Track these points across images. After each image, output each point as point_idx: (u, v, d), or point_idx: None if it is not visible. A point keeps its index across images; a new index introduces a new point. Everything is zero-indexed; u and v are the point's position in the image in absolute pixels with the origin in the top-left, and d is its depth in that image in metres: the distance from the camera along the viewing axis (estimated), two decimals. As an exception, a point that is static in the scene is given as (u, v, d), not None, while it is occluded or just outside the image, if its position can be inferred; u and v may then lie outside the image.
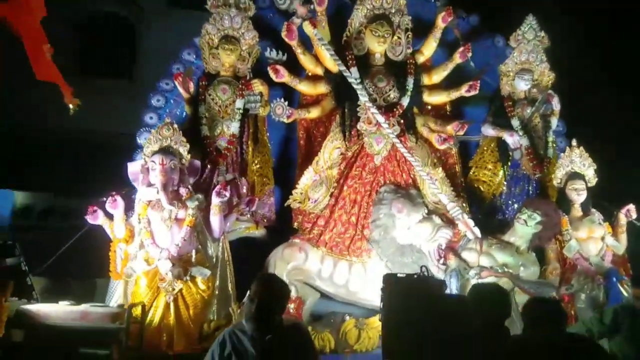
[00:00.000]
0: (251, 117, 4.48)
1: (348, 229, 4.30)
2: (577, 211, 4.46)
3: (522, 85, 4.90)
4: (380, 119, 4.20)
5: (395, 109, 4.36)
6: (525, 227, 4.19)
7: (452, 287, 3.96)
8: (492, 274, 3.99)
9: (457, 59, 4.60)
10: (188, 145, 3.93)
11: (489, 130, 4.85)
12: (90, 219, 3.77)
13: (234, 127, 4.32)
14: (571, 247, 4.26)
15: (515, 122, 4.80)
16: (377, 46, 4.44)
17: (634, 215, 4.42)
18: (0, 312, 2.66)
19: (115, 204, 3.71)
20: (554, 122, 5.02)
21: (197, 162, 4.05)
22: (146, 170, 3.81)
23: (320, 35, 4.19)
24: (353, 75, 4.33)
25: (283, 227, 4.50)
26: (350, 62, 4.39)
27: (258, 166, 4.47)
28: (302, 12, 4.20)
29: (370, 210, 4.29)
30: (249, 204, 4.13)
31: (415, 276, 2.72)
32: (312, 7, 4.34)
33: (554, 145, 4.94)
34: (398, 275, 2.72)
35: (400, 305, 2.63)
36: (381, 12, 4.45)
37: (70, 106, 3.41)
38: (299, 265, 4.10)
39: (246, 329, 2.58)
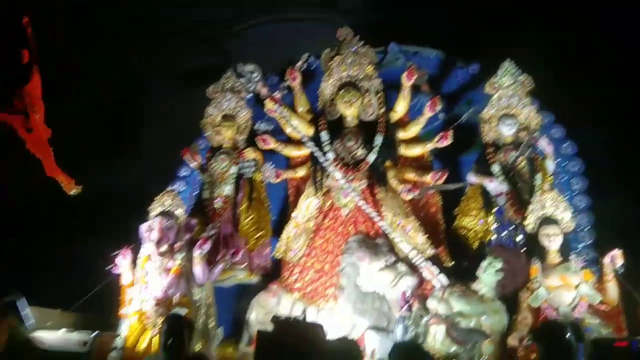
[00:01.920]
0: (247, 180, 5.26)
1: (321, 277, 4.70)
2: (552, 258, 4.22)
3: (506, 131, 4.88)
4: (338, 175, 4.64)
5: (360, 165, 4.75)
6: (486, 275, 4.15)
7: (397, 334, 4.09)
8: (439, 322, 4.02)
9: (427, 112, 4.83)
10: (184, 207, 4.84)
11: (472, 178, 4.88)
12: (114, 269, 4.85)
13: (227, 190, 5.14)
14: (538, 296, 4.05)
15: (495, 168, 4.79)
16: (346, 110, 4.92)
17: (619, 263, 4.02)
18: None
19: (124, 257, 4.72)
20: (550, 165, 4.85)
21: (194, 221, 4.91)
22: (150, 229, 4.79)
23: (282, 110, 4.85)
24: (323, 138, 4.87)
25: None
26: (322, 126, 4.94)
27: (252, 221, 5.17)
28: (263, 92, 4.93)
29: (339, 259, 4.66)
30: (234, 254, 4.84)
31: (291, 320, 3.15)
32: (286, 83, 5.06)
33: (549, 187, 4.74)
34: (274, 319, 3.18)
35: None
36: (348, 80, 4.96)
37: (72, 192, 4.50)
38: (272, 309, 4.61)
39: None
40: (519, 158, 4.75)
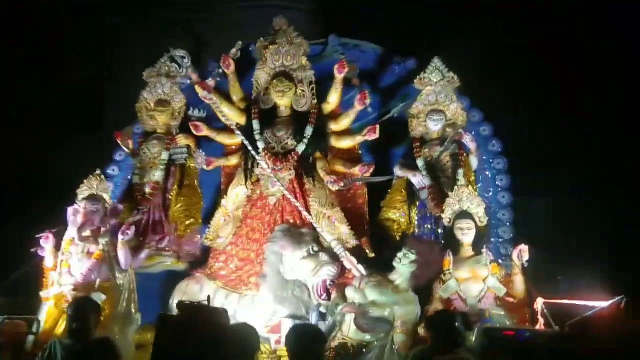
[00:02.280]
0: (178, 166, 5.25)
1: (246, 265, 4.76)
2: (466, 251, 4.38)
3: (432, 126, 5.01)
4: (264, 164, 4.69)
5: (289, 156, 4.80)
6: (401, 266, 4.27)
7: (312, 321, 4.19)
8: (351, 311, 4.12)
9: (357, 106, 4.90)
10: (111, 191, 4.82)
11: (397, 171, 5.00)
12: (40, 251, 4.79)
13: (157, 175, 5.13)
14: (448, 287, 4.20)
15: (420, 162, 4.91)
16: (279, 100, 4.95)
17: (526, 257, 4.20)
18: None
19: (47, 240, 4.68)
20: (474, 161, 5.00)
21: (120, 206, 4.89)
22: (76, 213, 4.75)
23: (212, 97, 4.85)
24: (254, 127, 4.90)
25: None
26: (255, 115, 4.97)
27: (183, 208, 5.19)
28: (194, 78, 4.93)
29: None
30: (160, 241, 4.85)
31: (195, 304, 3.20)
32: (220, 70, 5.05)
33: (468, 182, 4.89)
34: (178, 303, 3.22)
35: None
36: (282, 69, 4.99)
37: None
38: (194, 295, 4.63)
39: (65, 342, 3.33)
40: (443, 153, 4.89)
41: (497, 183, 5.26)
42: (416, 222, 4.90)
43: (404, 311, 4.19)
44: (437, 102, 5.02)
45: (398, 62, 5.68)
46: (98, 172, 4.92)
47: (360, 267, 4.48)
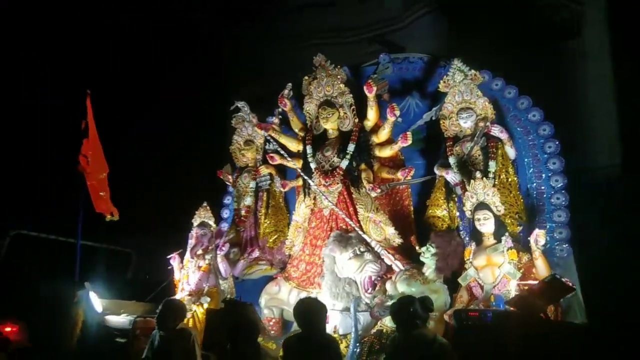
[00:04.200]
0: (264, 191, 6.43)
1: (312, 267, 5.63)
2: (487, 240, 4.53)
3: (463, 124, 5.22)
4: (311, 182, 5.53)
5: (335, 171, 5.55)
6: (424, 259, 4.68)
7: (351, 312, 4.85)
8: (381, 301, 4.67)
9: (389, 118, 5.41)
10: (213, 218, 6.23)
11: (435, 171, 5.32)
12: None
13: (249, 201, 6.38)
14: (467, 275, 4.44)
15: (452, 160, 5.17)
16: (325, 124, 5.75)
17: (542, 242, 4.19)
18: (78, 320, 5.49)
19: (174, 259, 6.26)
20: (509, 150, 5.06)
21: (222, 229, 6.26)
22: (191, 237, 6.27)
23: (274, 135, 5.90)
24: (307, 151, 5.80)
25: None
26: (307, 141, 5.86)
27: (271, 224, 6.31)
28: (254, 122, 6.04)
29: (324, 252, 5.54)
30: (250, 253, 6.05)
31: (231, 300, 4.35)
32: (280, 109, 6.10)
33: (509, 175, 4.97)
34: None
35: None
36: (325, 98, 5.78)
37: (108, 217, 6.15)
38: (274, 295, 5.69)
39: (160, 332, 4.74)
40: (473, 148, 5.06)
41: (549, 167, 5.17)
42: (457, 217, 5.15)
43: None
44: (464, 100, 5.23)
45: (443, 65, 5.97)
46: (205, 204, 6.39)
47: (398, 263, 5.00)
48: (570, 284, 3.53)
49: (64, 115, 6.16)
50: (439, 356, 3.36)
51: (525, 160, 5.28)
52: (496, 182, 4.94)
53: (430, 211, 5.40)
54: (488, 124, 5.04)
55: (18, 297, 5.95)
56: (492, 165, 4.98)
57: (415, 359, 3.45)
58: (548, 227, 4.98)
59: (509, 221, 4.84)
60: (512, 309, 3.63)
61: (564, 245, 4.89)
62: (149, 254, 7.45)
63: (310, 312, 3.80)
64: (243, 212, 6.42)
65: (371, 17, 8.32)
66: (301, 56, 7.00)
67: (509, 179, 4.98)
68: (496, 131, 4.99)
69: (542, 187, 5.14)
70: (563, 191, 5.07)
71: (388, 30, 8.19)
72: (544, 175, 5.18)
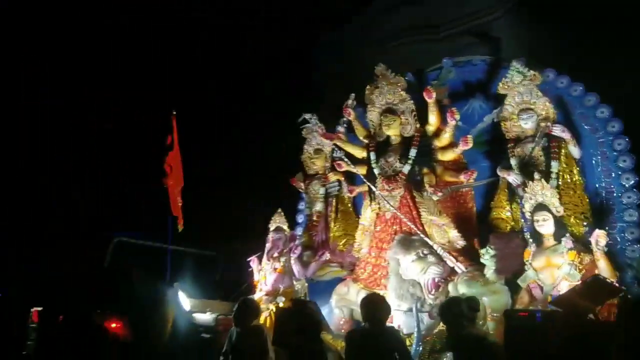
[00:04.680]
0: (334, 197, 6.74)
1: (379, 270, 5.84)
2: (547, 241, 4.50)
3: (524, 125, 5.19)
4: (373, 188, 5.75)
5: (397, 176, 5.74)
6: (484, 261, 4.74)
7: (414, 312, 5.01)
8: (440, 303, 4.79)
9: (450, 122, 5.51)
10: (287, 223, 6.65)
11: (499, 173, 5.33)
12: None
13: (319, 207, 6.73)
14: (526, 277, 4.44)
15: (513, 162, 5.17)
16: (388, 131, 5.95)
17: (602, 242, 4.10)
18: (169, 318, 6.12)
19: (253, 262, 6.76)
20: (573, 150, 4.97)
21: (295, 234, 6.66)
22: (268, 241, 6.74)
23: (340, 143, 6.21)
24: (371, 158, 6.03)
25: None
26: (371, 148, 6.09)
27: (341, 228, 6.62)
28: (319, 132, 6.36)
29: (389, 254, 5.74)
30: (321, 255, 6.39)
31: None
32: (344, 119, 6.39)
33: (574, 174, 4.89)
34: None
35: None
36: (387, 106, 5.98)
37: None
38: (343, 295, 5.97)
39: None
40: (535, 149, 5.03)
41: (619, 165, 5.01)
42: (520, 218, 5.14)
43: (490, 301, 4.66)
44: (524, 101, 5.20)
45: (506, 66, 5.93)
46: (279, 210, 6.83)
47: (460, 265, 5.10)
48: (617, 285, 3.46)
49: (154, 133, 6.88)
50: (487, 355, 3.47)
51: (593, 159, 5.16)
52: (560, 183, 4.88)
53: (495, 213, 5.42)
54: (549, 124, 4.99)
55: (120, 296, 6.72)
56: (555, 166, 4.93)
57: (465, 358, 3.58)
58: (618, 227, 4.85)
59: (574, 221, 4.78)
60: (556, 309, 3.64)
61: (636, 246, 4.72)
62: (234, 257, 8.04)
63: (374, 305, 4.05)
64: (314, 217, 6.78)
65: (462, 10, 7.77)
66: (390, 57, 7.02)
67: (574, 179, 4.89)
68: (557, 131, 4.93)
69: (612, 186, 4.99)
70: (634, 189, 4.90)
71: (483, 22, 7.56)
72: (613, 173, 5.03)
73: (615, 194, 4.96)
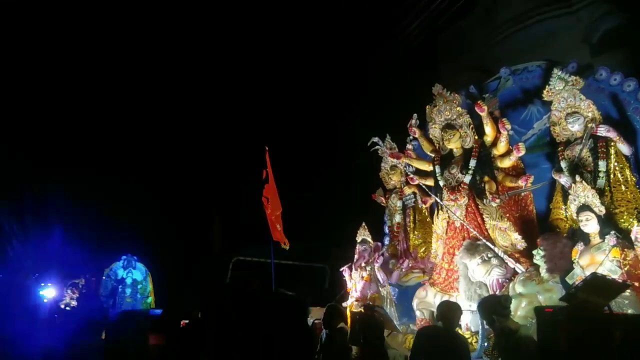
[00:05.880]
0: (411, 208, 7.34)
1: (452, 274, 6.33)
2: (594, 240, 4.70)
3: (572, 128, 5.39)
4: (438, 199, 6.26)
5: (460, 187, 6.20)
6: (536, 261, 5.07)
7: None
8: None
9: (502, 132, 5.87)
10: (370, 235, 7.40)
11: (553, 175, 5.56)
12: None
13: (398, 218, 7.37)
14: (573, 274, 4.69)
15: (563, 164, 5.38)
16: (449, 145, 6.44)
17: None
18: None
19: (345, 271, 7.59)
20: (622, 147, 5.09)
21: (379, 244, 7.38)
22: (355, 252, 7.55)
23: (407, 160, 6.83)
24: (436, 171, 6.56)
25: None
26: (435, 162, 6.62)
27: (420, 237, 7.20)
28: (388, 152, 6.99)
29: (459, 259, 6.21)
30: (401, 263, 7.02)
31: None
32: (411, 137, 6.99)
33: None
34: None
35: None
36: (446, 122, 6.47)
37: (282, 245, 7.67)
38: (423, 299, 6.54)
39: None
40: (582, 150, 5.22)
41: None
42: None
43: (544, 298, 4.98)
44: (569, 105, 5.40)
45: (560, 69, 6.11)
46: (363, 223, 7.62)
47: (519, 266, 5.45)
48: (619, 281, 3.67)
49: (251, 168, 8.12)
50: (518, 346, 3.92)
51: (650, 152, 5.19)
52: (611, 181, 5.03)
53: (554, 214, 5.66)
54: (593, 125, 5.17)
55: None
56: (602, 165, 5.08)
57: (500, 349, 4.06)
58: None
59: (627, 217, 4.90)
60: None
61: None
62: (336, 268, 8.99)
63: (449, 308, 4.63)
64: (395, 228, 7.45)
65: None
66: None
67: (625, 176, 5.01)
68: (602, 131, 5.09)
69: (669, 181, 5.00)
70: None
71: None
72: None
73: (671, 189, 4.97)
